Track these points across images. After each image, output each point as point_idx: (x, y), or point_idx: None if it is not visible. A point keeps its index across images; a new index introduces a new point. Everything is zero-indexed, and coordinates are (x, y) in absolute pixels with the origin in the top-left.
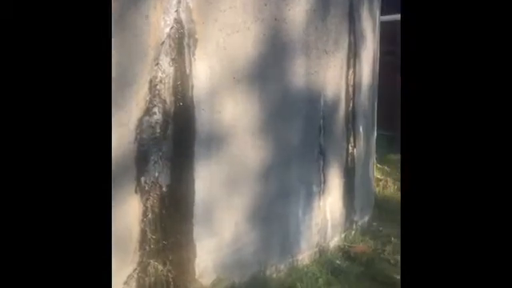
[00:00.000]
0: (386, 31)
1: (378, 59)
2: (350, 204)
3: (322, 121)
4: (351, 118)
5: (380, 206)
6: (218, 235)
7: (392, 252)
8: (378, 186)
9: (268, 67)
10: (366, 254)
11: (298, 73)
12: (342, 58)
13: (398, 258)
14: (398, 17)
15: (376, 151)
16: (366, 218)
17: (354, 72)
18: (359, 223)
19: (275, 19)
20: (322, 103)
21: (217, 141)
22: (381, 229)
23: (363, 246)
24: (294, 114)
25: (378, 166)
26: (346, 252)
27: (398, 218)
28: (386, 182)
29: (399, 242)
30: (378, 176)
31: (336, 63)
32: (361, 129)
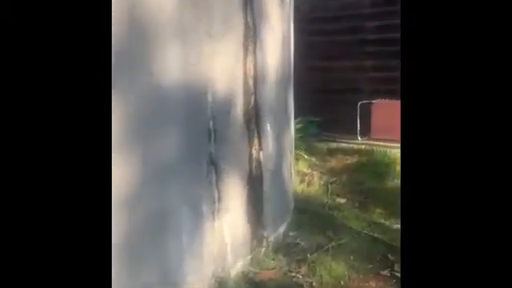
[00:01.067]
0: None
1: (290, 41)
2: (258, 218)
3: (211, 123)
4: (254, 115)
5: (301, 208)
6: None
7: (307, 273)
8: (302, 181)
9: (128, 58)
10: (274, 280)
11: (172, 64)
12: (235, 42)
13: (314, 281)
14: None
15: (303, 140)
16: (282, 229)
17: (255, 59)
18: (271, 238)
19: None
20: (211, 100)
21: None
22: (298, 241)
23: (270, 272)
24: (171, 117)
25: (306, 157)
26: (250, 279)
27: (320, 221)
28: (311, 177)
29: (316, 259)
30: (304, 170)
31: (227, 49)
32: (268, 127)
